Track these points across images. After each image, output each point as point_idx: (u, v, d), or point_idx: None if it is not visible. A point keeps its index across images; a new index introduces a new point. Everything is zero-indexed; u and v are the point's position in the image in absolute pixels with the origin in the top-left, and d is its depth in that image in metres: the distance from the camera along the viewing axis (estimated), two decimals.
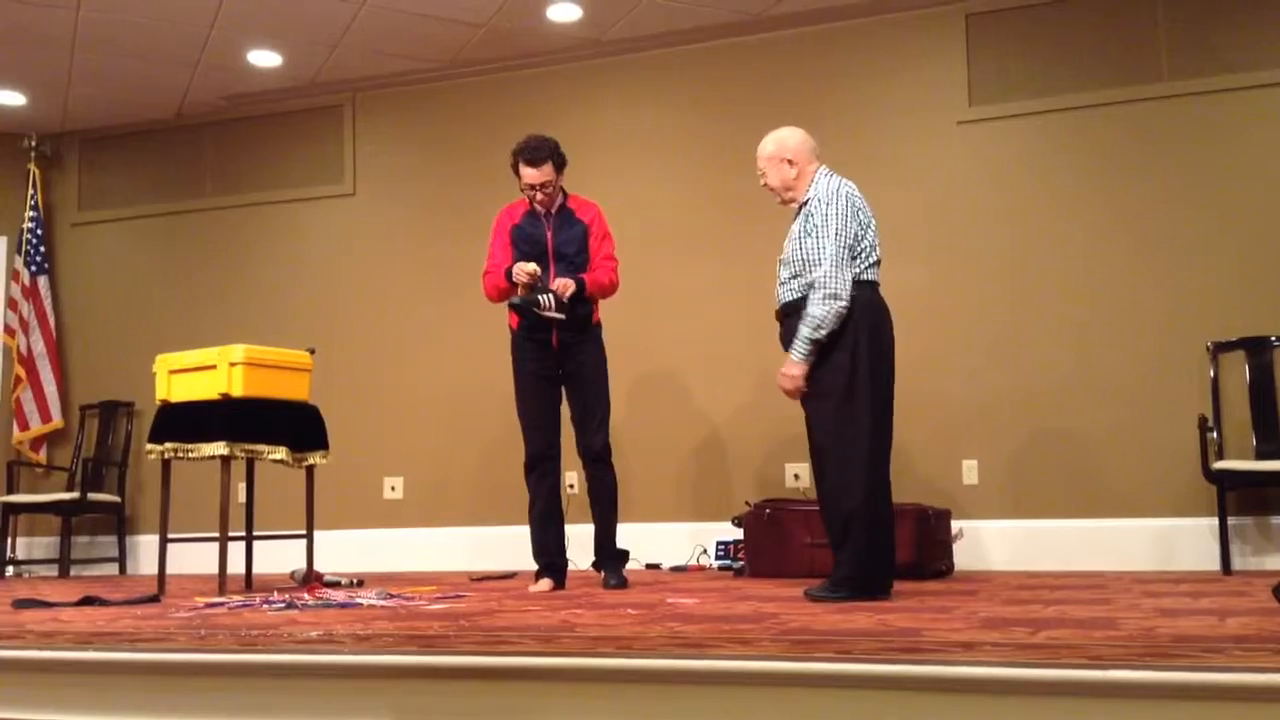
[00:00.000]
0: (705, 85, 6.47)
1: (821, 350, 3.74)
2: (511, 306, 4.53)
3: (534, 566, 4.62)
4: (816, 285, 3.72)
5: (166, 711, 2.56)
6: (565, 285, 4.46)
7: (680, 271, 6.28)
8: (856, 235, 3.81)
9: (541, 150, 4.53)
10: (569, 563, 4.71)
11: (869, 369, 3.73)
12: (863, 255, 3.82)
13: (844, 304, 3.71)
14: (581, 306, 4.57)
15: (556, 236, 4.60)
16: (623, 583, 4.51)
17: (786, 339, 3.92)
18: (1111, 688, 1.94)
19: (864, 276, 3.81)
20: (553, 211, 4.63)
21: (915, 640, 2.28)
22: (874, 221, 3.92)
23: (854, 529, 3.66)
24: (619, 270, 4.71)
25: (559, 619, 2.99)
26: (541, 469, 4.58)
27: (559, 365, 4.59)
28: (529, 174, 4.54)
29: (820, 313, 3.70)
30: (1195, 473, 5.24)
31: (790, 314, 3.86)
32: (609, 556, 4.62)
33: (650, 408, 6.29)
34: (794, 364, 3.75)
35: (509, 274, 4.52)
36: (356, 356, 6.88)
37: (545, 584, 4.51)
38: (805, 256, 3.81)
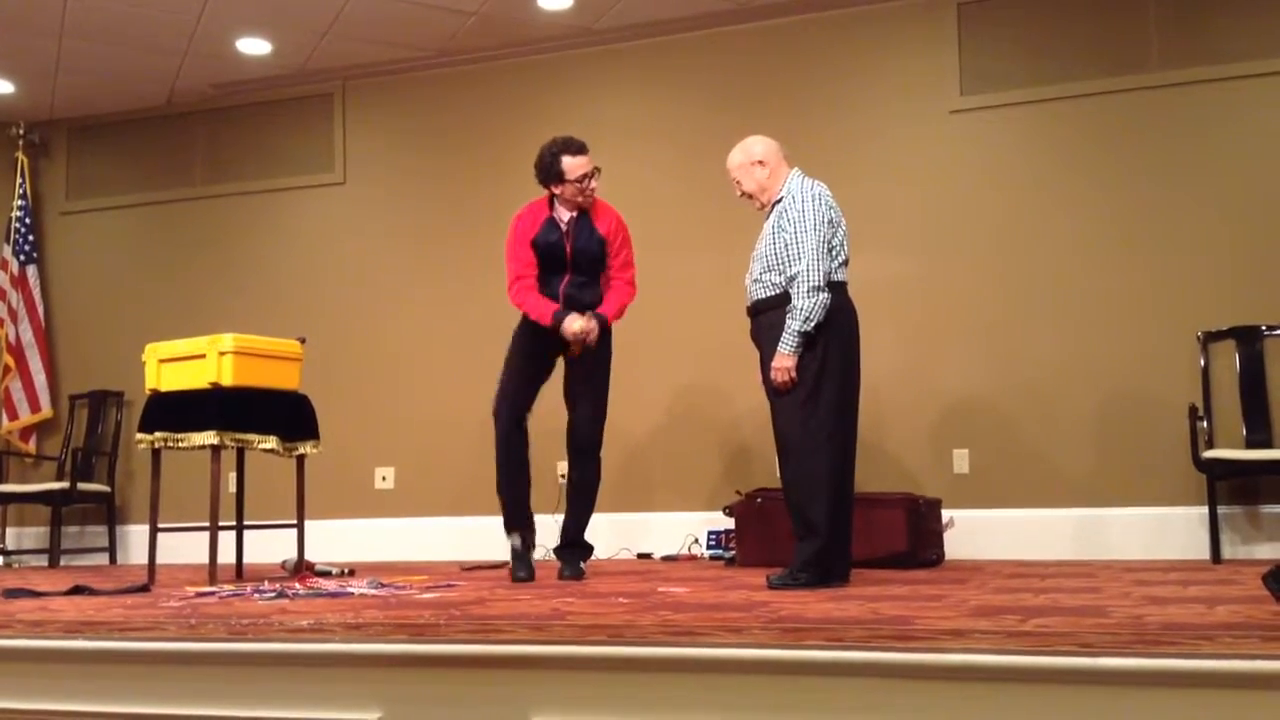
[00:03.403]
0: (696, 74, 6.46)
1: None
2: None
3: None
4: (799, 280, 3.85)
5: (157, 700, 2.56)
6: (588, 330, 4.44)
7: (673, 261, 6.27)
8: (828, 235, 3.92)
9: (580, 140, 4.55)
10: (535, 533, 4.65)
11: (836, 367, 3.89)
12: (833, 255, 3.94)
13: (827, 295, 3.87)
14: (590, 293, 4.57)
15: (574, 245, 4.56)
16: (578, 574, 4.45)
17: (757, 335, 4.02)
18: (1101, 675, 1.95)
19: (834, 277, 3.94)
20: (573, 216, 4.58)
21: (906, 628, 2.28)
22: (844, 222, 4.02)
23: (813, 519, 3.81)
24: (635, 278, 4.68)
25: (550, 608, 3.00)
26: (504, 439, 4.52)
27: (560, 351, 4.58)
28: (578, 163, 4.49)
29: (807, 305, 3.84)
30: (1185, 462, 5.25)
31: (761, 311, 3.98)
32: (572, 546, 4.58)
33: (642, 397, 6.28)
34: (785, 356, 3.86)
35: (559, 321, 4.44)
36: (347, 345, 6.86)
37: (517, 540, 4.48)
38: (780, 252, 3.92)
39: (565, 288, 4.55)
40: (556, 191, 4.57)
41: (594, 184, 4.55)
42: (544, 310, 4.48)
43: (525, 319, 4.58)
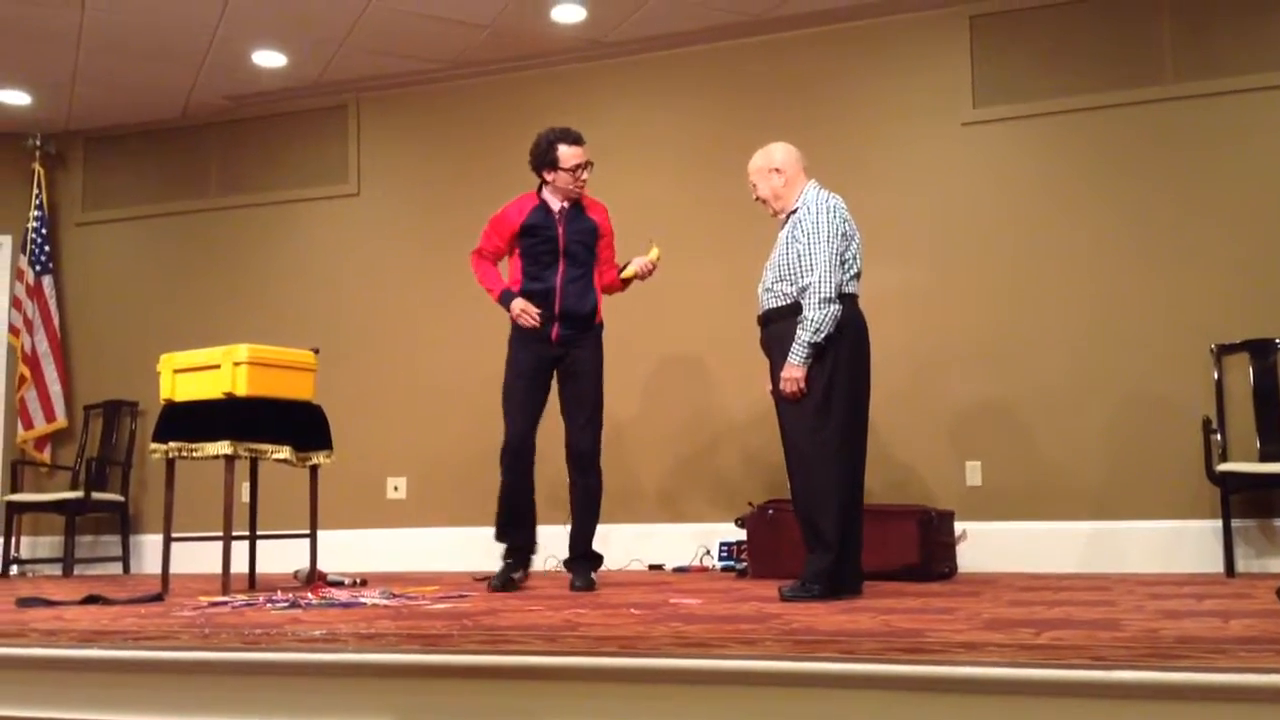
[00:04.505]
0: (709, 86, 6.48)
1: None
2: None
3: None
4: (811, 291, 3.87)
5: (170, 710, 2.57)
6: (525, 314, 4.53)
7: (685, 272, 6.28)
8: (842, 247, 3.94)
9: (577, 132, 4.62)
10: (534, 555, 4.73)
11: (846, 378, 3.89)
12: (845, 267, 3.96)
13: (838, 307, 3.88)
14: (586, 303, 4.58)
15: (568, 232, 4.59)
16: (589, 585, 4.45)
17: (768, 345, 4.04)
18: (1115, 688, 1.94)
19: (845, 289, 3.95)
20: (564, 206, 4.61)
21: (919, 641, 2.28)
22: (858, 235, 4.03)
23: (824, 530, 3.82)
24: None
25: (562, 619, 3.00)
26: (517, 459, 4.55)
27: (556, 360, 4.59)
28: (575, 153, 4.56)
29: (818, 317, 3.85)
30: (1199, 475, 5.23)
31: (772, 320, 3.99)
32: (580, 557, 4.58)
33: (653, 408, 6.29)
34: (795, 367, 3.87)
35: (505, 300, 4.57)
36: (360, 356, 6.88)
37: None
38: (793, 263, 3.94)
39: (562, 281, 4.56)
40: (549, 178, 4.61)
41: (586, 176, 4.61)
42: (494, 285, 4.65)
43: (513, 334, 4.63)
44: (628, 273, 4.70)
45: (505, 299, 4.59)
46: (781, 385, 3.89)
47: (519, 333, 4.60)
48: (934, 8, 6.06)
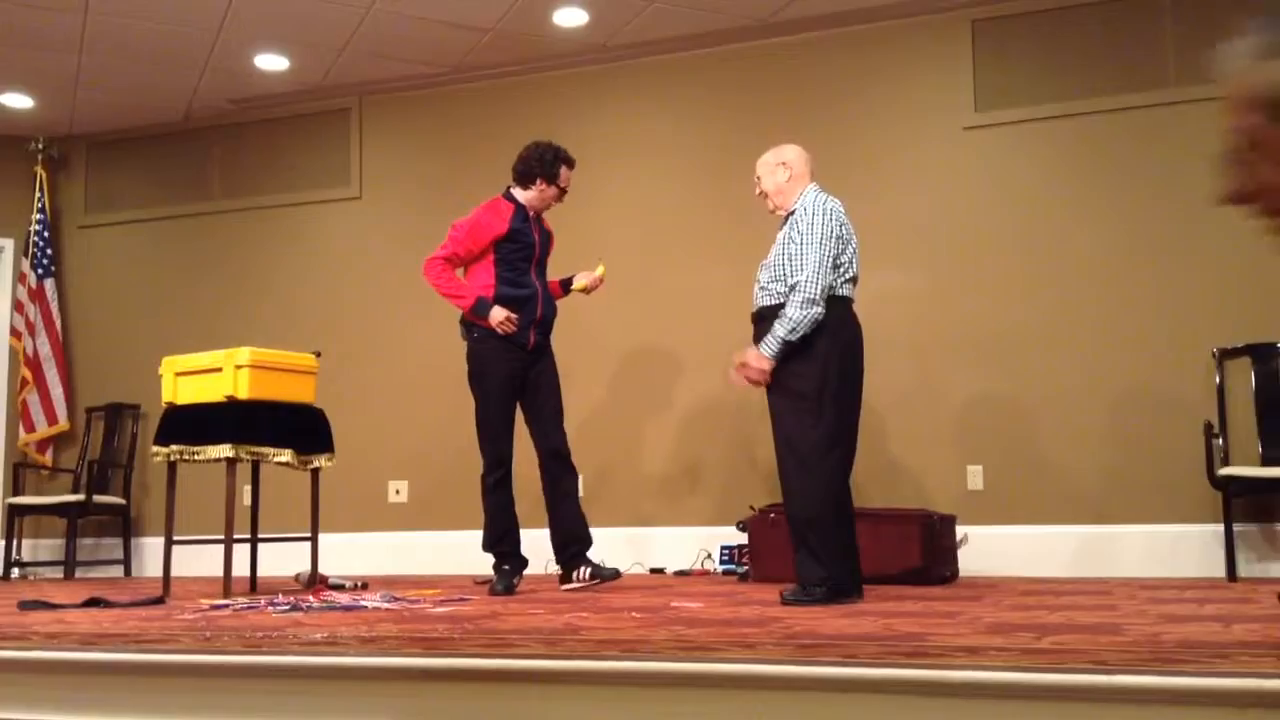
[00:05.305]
0: (711, 90, 6.48)
1: (796, 358, 3.88)
2: None
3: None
4: (798, 289, 3.89)
5: (171, 713, 2.57)
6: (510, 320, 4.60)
7: (685, 275, 6.29)
8: (836, 251, 3.94)
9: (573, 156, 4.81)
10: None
11: (837, 382, 3.90)
12: (840, 271, 3.98)
13: (820, 310, 3.88)
14: (554, 309, 4.77)
15: (540, 240, 4.78)
16: (616, 571, 4.60)
17: (759, 341, 4.03)
18: (1117, 693, 1.94)
19: (839, 292, 3.97)
20: (533, 215, 4.77)
21: (920, 645, 2.28)
22: (855, 239, 4.07)
23: (817, 534, 3.82)
24: None
25: (563, 622, 3.00)
26: (507, 477, 4.66)
27: (527, 368, 4.66)
28: (569, 174, 4.76)
29: (797, 315, 3.86)
30: (1201, 479, 5.22)
31: (766, 318, 4.03)
32: (586, 550, 4.66)
33: (654, 412, 6.29)
34: (764, 359, 3.90)
35: (482, 309, 4.57)
36: (362, 359, 6.88)
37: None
38: (785, 264, 3.97)
39: (539, 285, 4.72)
40: (539, 189, 4.73)
41: (563, 198, 4.83)
42: (464, 292, 4.65)
43: (485, 346, 4.63)
44: (577, 285, 4.88)
45: (482, 307, 4.58)
46: (745, 371, 3.93)
47: (494, 343, 4.60)
48: (936, 12, 6.06)
